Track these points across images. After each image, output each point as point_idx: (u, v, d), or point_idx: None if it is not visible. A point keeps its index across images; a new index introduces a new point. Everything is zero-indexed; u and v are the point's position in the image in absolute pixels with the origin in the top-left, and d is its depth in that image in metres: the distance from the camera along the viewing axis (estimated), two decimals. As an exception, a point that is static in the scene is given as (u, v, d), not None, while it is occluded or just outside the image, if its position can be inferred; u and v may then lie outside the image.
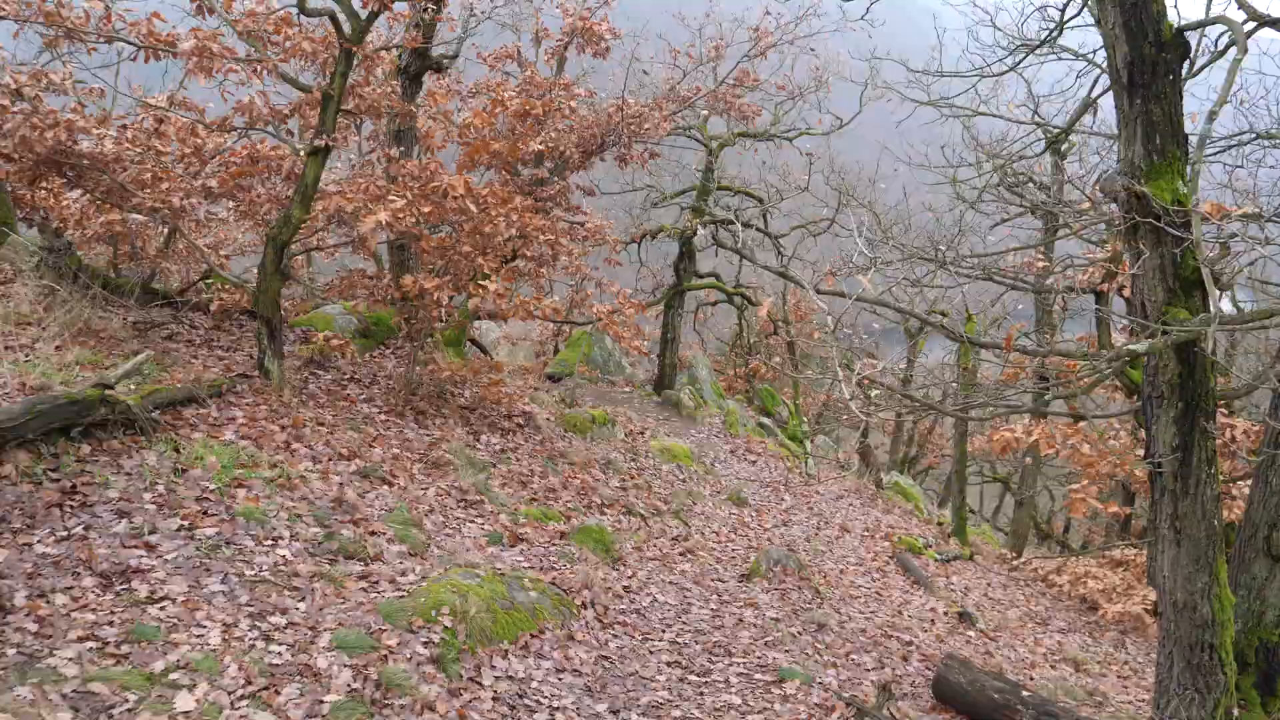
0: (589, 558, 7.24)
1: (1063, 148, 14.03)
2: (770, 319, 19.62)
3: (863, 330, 26.50)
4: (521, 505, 7.95)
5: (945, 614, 9.10)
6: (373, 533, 6.05)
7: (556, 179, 12.66)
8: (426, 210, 7.06)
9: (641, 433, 13.25)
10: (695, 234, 16.58)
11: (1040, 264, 12.99)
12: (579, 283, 17.53)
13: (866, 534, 12.33)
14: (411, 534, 6.24)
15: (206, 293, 10.77)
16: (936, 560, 12.47)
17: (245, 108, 7.65)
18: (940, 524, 16.93)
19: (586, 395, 15.33)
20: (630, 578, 7.46)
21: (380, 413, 8.98)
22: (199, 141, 8.76)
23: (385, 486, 7.06)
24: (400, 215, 6.90)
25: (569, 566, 6.86)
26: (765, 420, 19.38)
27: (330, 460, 7.15)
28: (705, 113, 13.06)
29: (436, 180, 7.42)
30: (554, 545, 7.27)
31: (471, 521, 7.06)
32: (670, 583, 7.70)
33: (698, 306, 22.27)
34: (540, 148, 9.54)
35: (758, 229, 17.29)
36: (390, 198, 7.08)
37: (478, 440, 9.38)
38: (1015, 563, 14.66)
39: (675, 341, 17.88)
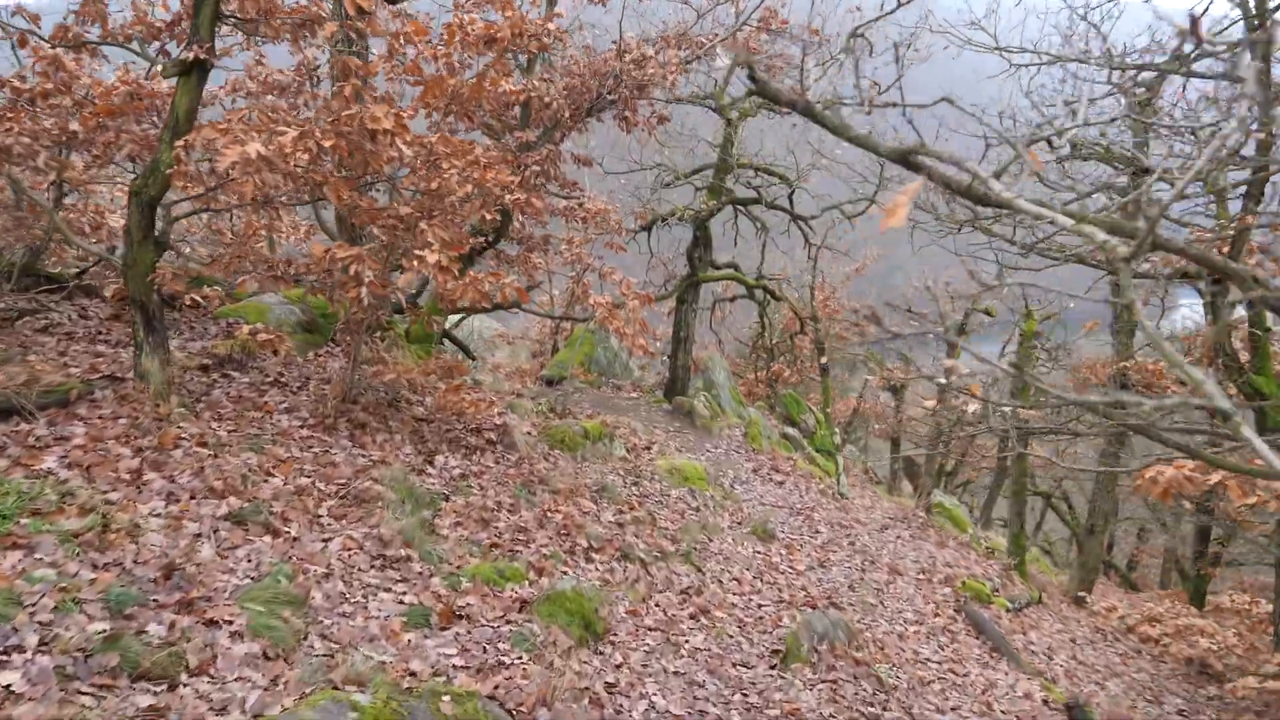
0: (558, 640, 5.07)
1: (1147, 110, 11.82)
2: (796, 315, 17.41)
3: (892, 327, 24.14)
4: (472, 558, 5.79)
5: (1046, 702, 6.87)
6: (211, 622, 3.90)
7: (545, 144, 10.53)
8: (328, 144, 4.93)
9: (647, 448, 11.09)
10: (711, 215, 14.42)
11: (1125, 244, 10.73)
12: (580, 273, 15.37)
13: (922, 576, 10.11)
14: (278, 622, 4.09)
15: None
16: (1008, 610, 10.23)
17: (95, 12, 5.54)
18: (991, 550, 14.68)
19: (585, 402, 13.19)
20: (618, 667, 5.28)
21: (303, 427, 6.87)
22: (67, 76, 6.68)
23: (268, 537, 4.93)
24: (287, 150, 4.76)
25: (524, 661, 4.70)
26: (790, 430, 17.19)
27: (194, 498, 5.04)
28: (723, 61, 10.85)
29: (351, 109, 5.28)
30: (508, 624, 5.10)
31: (387, 590, 4.91)
32: (675, 672, 5.51)
33: (714, 303, 20.05)
34: (515, 89, 7.42)
35: (783, 210, 15.10)
36: (278, 128, 4.95)
37: (430, 463, 7.25)
38: (1093, 605, 12.39)
39: (689, 340, 15.69)
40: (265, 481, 5.58)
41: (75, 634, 3.41)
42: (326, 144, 4.95)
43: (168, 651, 3.51)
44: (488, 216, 6.31)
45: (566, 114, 10.56)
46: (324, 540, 5.11)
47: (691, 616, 6.80)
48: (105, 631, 3.47)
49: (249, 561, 4.60)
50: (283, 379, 7.82)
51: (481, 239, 10.94)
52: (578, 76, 9.73)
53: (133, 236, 5.88)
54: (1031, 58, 11.09)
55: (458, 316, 18.97)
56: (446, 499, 6.70)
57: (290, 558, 4.79)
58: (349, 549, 5.11)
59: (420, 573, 5.20)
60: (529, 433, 8.98)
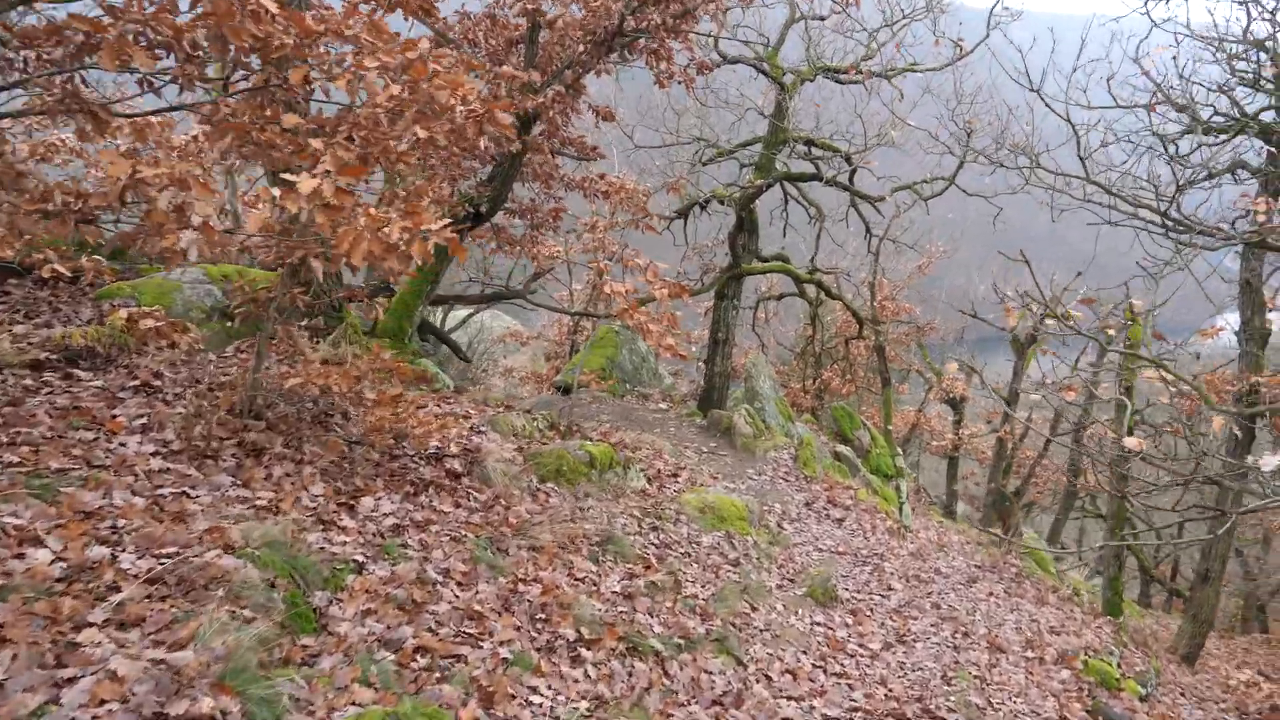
0: None
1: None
2: (855, 316, 14.92)
3: (949, 334, 21.60)
4: (362, 690, 3.47)
5: None
6: None
7: (555, 86, 8.25)
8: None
9: (674, 475, 8.74)
10: (759, 194, 12.03)
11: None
12: (598, 258, 13.06)
13: (1032, 654, 7.65)
14: None
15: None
16: (1141, 698, 7.74)
17: None
18: (1075, 592, 12.13)
19: (603, 415, 10.87)
20: None
21: (158, 454, 4.62)
22: None
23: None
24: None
25: None
26: (842, 449, 14.69)
27: None
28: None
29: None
30: None
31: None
32: None
33: (759, 300, 17.61)
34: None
35: (844, 187, 12.66)
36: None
37: (352, 508, 4.97)
38: (1226, 677, 9.84)
39: (728, 343, 13.31)
40: (13, 559, 3.31)
41: None
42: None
43: None
44: (421, 135, 3.99)
45: (581, 47, 8.28)
46: (54, 687, 2.79)
47: (728, 756, 4.44)
48: None
49: None
50: (157, 383, 5.59)
51: (469, 208, 8.68)
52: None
53: None
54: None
55: (466, 311, 16.77)
56: (360, 570, 4.40)
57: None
58: (99, 705, 2.79)
59: (234, 745, 2.88)
60: (509, 460, 6.65)
